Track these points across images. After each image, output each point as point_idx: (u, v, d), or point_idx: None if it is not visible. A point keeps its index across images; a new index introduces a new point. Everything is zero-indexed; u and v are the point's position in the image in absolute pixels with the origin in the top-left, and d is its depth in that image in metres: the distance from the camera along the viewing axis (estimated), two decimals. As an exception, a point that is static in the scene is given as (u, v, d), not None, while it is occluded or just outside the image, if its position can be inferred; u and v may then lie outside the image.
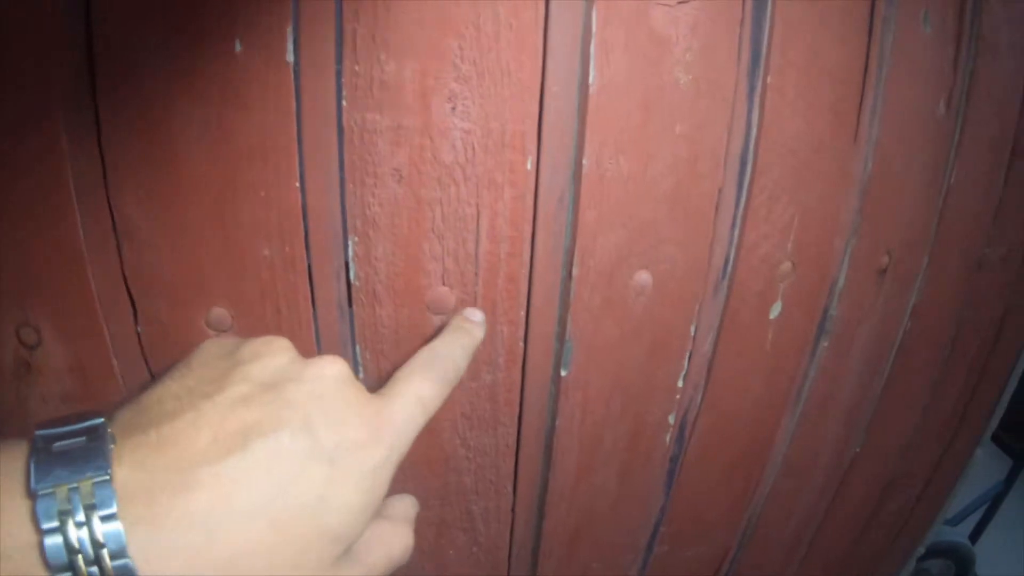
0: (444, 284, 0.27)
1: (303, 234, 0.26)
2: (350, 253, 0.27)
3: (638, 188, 0.27)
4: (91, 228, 0.26)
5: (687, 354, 0.32)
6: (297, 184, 0.26)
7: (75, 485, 0.16)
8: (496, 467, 0.33)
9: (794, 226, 0.32)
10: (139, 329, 0.28)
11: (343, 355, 0.29)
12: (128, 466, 0.17)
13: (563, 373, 0.30)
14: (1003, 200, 0.41)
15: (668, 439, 0.34)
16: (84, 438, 0.17)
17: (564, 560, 0.36)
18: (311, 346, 0.28)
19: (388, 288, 0.27)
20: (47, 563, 0.16)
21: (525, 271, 0.27)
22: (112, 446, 0.18)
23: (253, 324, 0.28)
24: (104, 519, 0.16)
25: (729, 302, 0.32)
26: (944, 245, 0.39)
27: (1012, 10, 0.35)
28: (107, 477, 0.16)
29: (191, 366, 0.21)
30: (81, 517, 0.16)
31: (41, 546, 0.16)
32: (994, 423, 0.50)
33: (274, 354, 0.21)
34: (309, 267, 0.27)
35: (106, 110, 0.24)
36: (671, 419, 0.33)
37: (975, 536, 0.89)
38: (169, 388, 0.20)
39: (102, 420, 0.18)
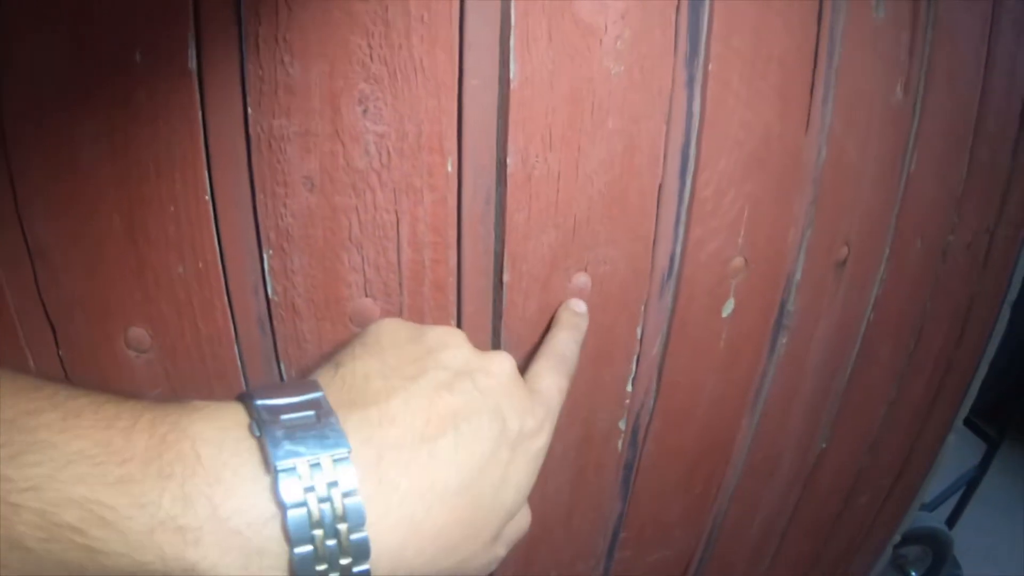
0: (367, 295, 0.26)
1: (217, 249, 0.25)
2: (266, 267, 0.25)
3: (570, 186, 0.26)
4: (5, 251, 0.25)
5: (635, 357, 0.31)
6: (207, 197, 0.24)
7: (316, 461, 0.16)
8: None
9: (744, 220, 0.31)
10: (60, 353, 0.27)
11: (266, 373, 0.27)
12: (357, 442, 0.18)
13: (502, 383, 0.29)
14: (966, 187, 0.39)
15: (621, 445, 0.33)
16: (312, 413, 0.18)
17: (521, 568, 0.35)
18: (234, 365, 0.27)
19: (308, 302, 0.26)
20: (289, 538, 0.16)
21: (453, 279, 0.26)
22: (338, 421, 0.18)
23: (173, 343, 0.27)
24: (346, 495, 0.17)
25: (677, 302, 0.31)
26: (905, 234, 0.37)
27: (969, -8, 0.34)
28: (347, 454, 0.17)
29: (382, 345, 0.22)
30: (324, 493, 0.16)
31: (283, 521, 0.16)
32: (964, 411, 0.49)
33: (459, 345, 0.22)
34: (225, 282, 0.26)
35: (10, 125, 0.23)
36: (622, 425, 0.32)
37: (952, 521, 0.89)
38: (370, 365, 0.21)
39: (321, 394, 0.19)
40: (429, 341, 0.22)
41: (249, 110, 0.23)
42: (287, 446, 0.16)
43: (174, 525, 0.15)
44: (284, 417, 0.17)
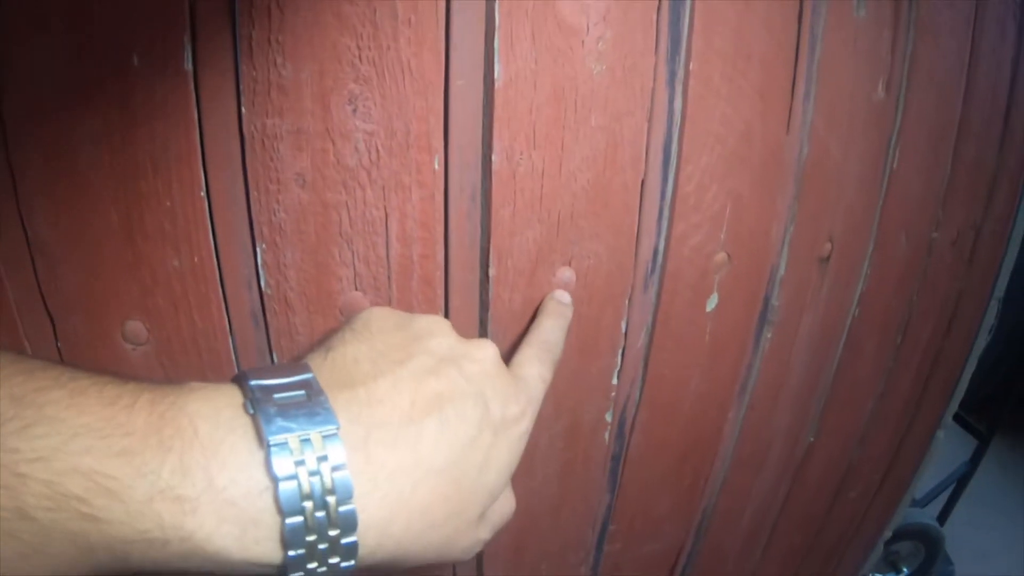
0: (357, 289, 0.26)
1: (211, 243, 0.26)
2: (259, 261, 0.26)
3: (554, 183, 0.27)
4: (6, 246, 0.25)
5: (620, 351, 0.32)
6: (203, 193, 0.25)
7: (307, 437, 0.17)
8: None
9: (726, 215, 0.32)
10: (59, 345, 0.28)
11: (260, 364, 0.28)
12: (346, 420, 0.19)
13: (490, 375, 0.29)
14: (951, 184, 0.40)
15: (607, 437, 0.34)
16: (302, 392, 0.19)
17: (511, 563, 0.36)
18: (228, 357, 0.28)
19: (300, 295, 0.26)
20: (280, 509, 0.17)
21: (440, 273, 0.27)
22: (328, 400, 0.19)
23: (169, 336, 0.27)
24: (334, 469, 0.17)
25: (661, 296, 0.31)
26: (889, 230, 0.38)
27: (950, -8, 0.35)
28: (336, 431, 0.18)
29: (371, 331, 0.23)
30: (314, 467, 0.17)
31: (275, 493, 0.17)
32: (953, 406, 0.49)
33: (445, 333, 0.23)
34: (220, 277, 0.26)
35: (11, 125, 0.24)
36: (608, 417, 0.33)
37: (943, 517, 0.90)
38: (359, 349, 0.22)
39: (312, 375, 0.20)
40: (416, 328, 0.23)
41: (243, 110, 0.24)
42: (279, 422, 0.17)
43: (173, 495, 0.16)
44: (277, 396, 0.18)
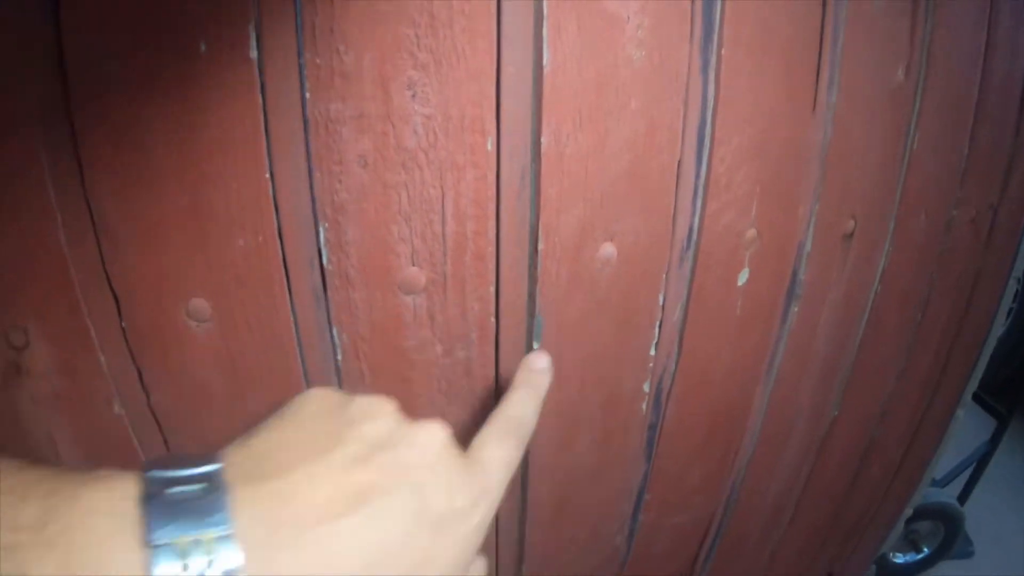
0: (414, 265, 0.28)
1: (275, 223, 0.27)
2: (321, 239, 0.28)
3: (597, 164, 0.28)
4: (71, 228, 0.26)
5: (657, 323, 0.33)
6: (267, 175, 0.27)
7: (197, 538, 0.16)
8: (478, 442, 0.34)
9: (756, 195, 0.33)
10: (123, 324, 0.29)
11: (320, 339, 0.30)
12: (247, 519, 0.17)
13: (535, 346, 0.31)
14: (968, 165, 0.41)
15: (644, 407, 0.35)
16: (202, 486, 0.17)
17: (551, 529, 0.37)
18: (289, 332, 0.29)
19: (360, 271, 0.28)
20: None
21: (492, 248, 0.28)
22: (228, 496, 0.17)
23: (232, 313, 0.29)
24: (224, 574, 0.16)
25: (696, 271, 0.33)
26: (909, 209, 0.39)
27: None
28: (230, 533, 0.16)
29: (303, 415, 0.21)
30: (200, 572, 0.16)
31: None
32: (973, 385, 0.51)
33: (384, 416, 0.21)
34: (283, 255, 0.28)
35: (80, 113, 0.25)
36: (646, 387, 0.34)
37: (963, 496, 0.90)
38: (284, 436, 0.20)
39: (219, 466, 0.18)
40: (352, 411, 0.21)
41: (307, 95, 0.26)
42: (165, 522, 0.16)
43: None
44: (170, 491, 0.17)
